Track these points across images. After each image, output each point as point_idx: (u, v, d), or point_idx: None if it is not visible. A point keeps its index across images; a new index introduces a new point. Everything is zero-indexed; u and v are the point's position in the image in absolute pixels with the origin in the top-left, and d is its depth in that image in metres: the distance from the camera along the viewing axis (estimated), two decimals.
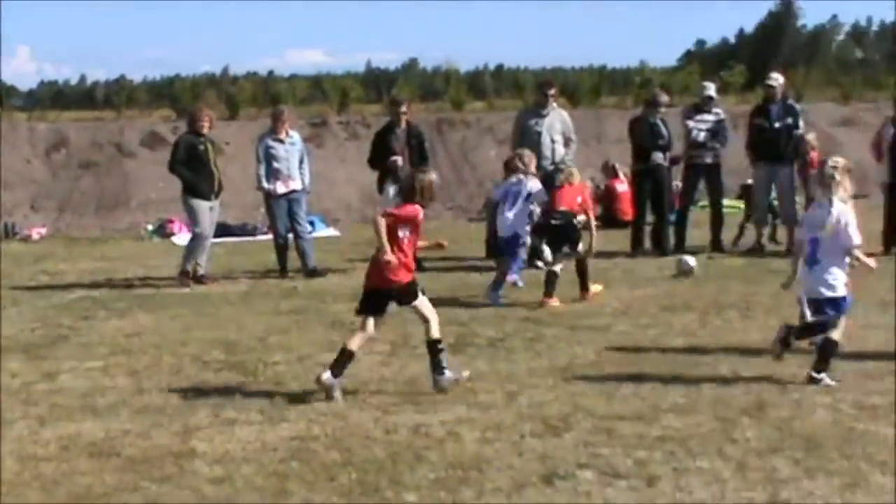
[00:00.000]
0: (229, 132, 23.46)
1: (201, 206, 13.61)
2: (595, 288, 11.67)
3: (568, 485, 5.72)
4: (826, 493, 5.49)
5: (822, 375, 7.60)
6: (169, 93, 35.32)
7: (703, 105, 15.56)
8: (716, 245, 15.13)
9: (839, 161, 7.93)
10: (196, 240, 13.62)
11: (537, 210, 12.18)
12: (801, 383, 7.60)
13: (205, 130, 13.82)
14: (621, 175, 19.27)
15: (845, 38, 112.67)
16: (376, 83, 59.90)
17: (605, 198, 19.68)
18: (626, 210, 17.16)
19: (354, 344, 7.82)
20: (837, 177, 7.77)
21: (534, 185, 12.19)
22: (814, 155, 14.91)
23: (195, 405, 7.56)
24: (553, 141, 14.69)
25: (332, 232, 19.49)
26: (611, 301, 11.37)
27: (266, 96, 29.92)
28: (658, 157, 14.93)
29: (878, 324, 9.70)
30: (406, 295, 7.89)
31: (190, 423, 7.11)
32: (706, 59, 64.67)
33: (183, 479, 6.01)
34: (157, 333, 10.30)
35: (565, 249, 11.55)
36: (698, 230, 15.70)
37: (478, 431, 6.70)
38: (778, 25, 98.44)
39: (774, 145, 14.76)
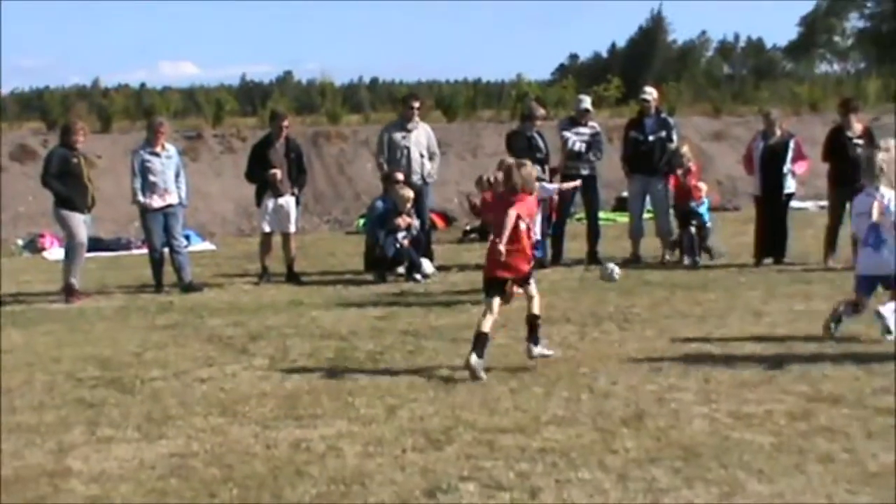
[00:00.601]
0: (101, 145, 22.97)
1: (75, 216, 13.32)
2: None
3: (450, 498, 5.73)
4: (705, 502, 5.60)
5: None
6: (39, 105, 34.40)
7: (579, 118, 15.77)
8: (592, 257, 15.32)
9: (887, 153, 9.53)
10: (74, 250, 13.31)
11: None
12: (678, 392, 7.74)
13: (79, 144, 13.54)
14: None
15: (714, 54, 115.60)
16: (251, 96, 59.36)
17: (482, 210, 19.79)
18: None
19: (486, 326, 8.54)
20: (885, 167, 9.29)
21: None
22: (693, 167, 15.28)
23: (70, 423, 7.38)
24: (421, 155, 14.76)
25: (207, 246, 19.25)
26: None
27: (139, 109, 29.38)
28: (535, 170, 15.02)
29: (752, 332, 9.94)
30: (525, 281, 8.81)
31: (64, 441, 6.94)
32: (580, 73, 65.72)
33: (58, 500, 5.86)
34: (29, 351, 10.03)
35: None
36: (575, 242, 15.91)
37: (359, 446, 6.67)
38: (649, 41, 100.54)
39: (649, 158, 15.06)
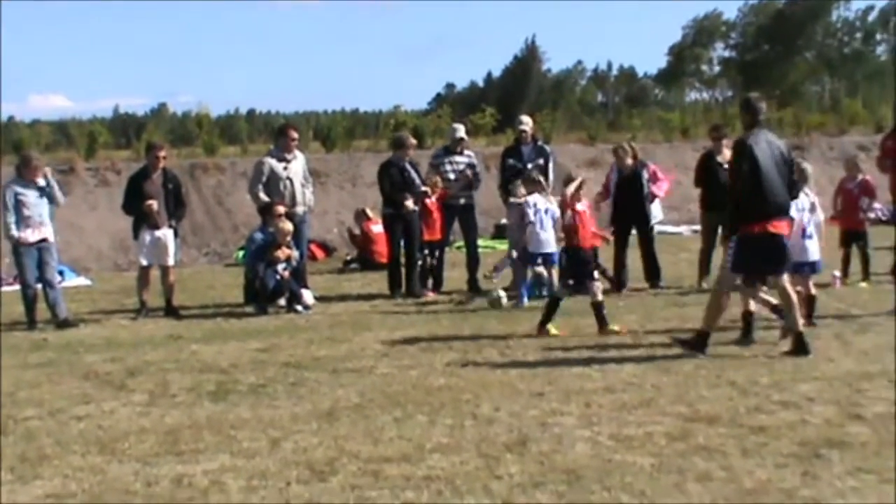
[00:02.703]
0: None
1: None
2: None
3: None
4: None
5: None
6: None
7: (455, 147, 15.90)
8: (472, 285, 15.40)
9: None
10: None
11: None
12: (560, 417, 7.83)
13: None
14: (374, 217, 19.41)
15: (587, 83, 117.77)
16: (125, 128, 58.50)
17: (362, 240, 19.82)
18: (383, 252, 17.31)
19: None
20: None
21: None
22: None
23: None
24: (302, 185, 14.72)
25: (82, 281, 18.83)
26: (372, 343, 11.42)
27: (7, 142, 28.68)
28: (409, 204, 15.09)
29: (631, 355, 10.12)
30: None
31: None
32: (456, 103, 66.31)
33: None
34: None
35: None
36: (456, 270, 16.00)
37: (242, 480, 6.58)
38: (524, 70, 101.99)
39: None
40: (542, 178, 14.07)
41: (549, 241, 13.44)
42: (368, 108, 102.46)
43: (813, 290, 11.63)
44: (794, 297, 10.18)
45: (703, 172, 15.06)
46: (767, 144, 10.03)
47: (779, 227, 9.96)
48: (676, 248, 19.31)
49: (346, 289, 16.48)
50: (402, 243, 15.27)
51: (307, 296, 14.22)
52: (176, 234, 14.38)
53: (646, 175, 14.99)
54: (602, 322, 11.44)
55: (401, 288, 15.27)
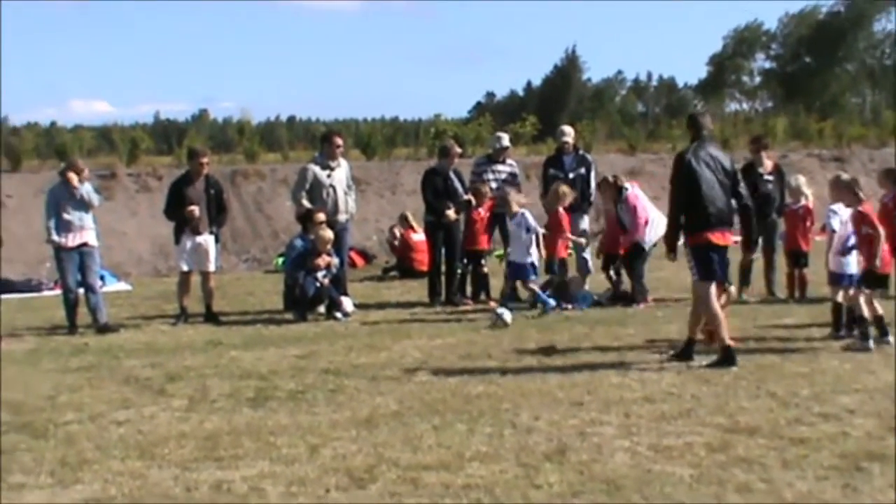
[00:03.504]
0: (11, 184, 22.61)
1: None
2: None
3: None
4: None
5: None
6: None
7: (497, 155, 15.88)
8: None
9: None
10: None
11: None
12: (600, 427, 7.78)
13: None
14: (415, 225, 19.44)
15: (627, 93, 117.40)
16: (166, 134, 58.91)
17: (402, 248, 19.84)
18: (423, 260, 17.31)
19: None
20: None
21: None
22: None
23: None
24: (345, 193, 14.73)
25: (123, 286, 18.96)
26: (411, 351, 11.41)
27: (49, 147, 28.94)
28: (450, 213, 15.09)
29: (670, 366, 10.06)
30: None
31: None
32: (496, 112, 66.28)
33: None
34: None
35: None
36: (495, 279, 15.97)
37: (282, 486, 6.59)
38: (564, 79, 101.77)
39: None
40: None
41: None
42: (408, 116, 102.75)
43: (868, 308, 11.28)
44: (721, 313, 10.27)
45: (745, 183, 14.93)
46: (710, 158, 10.34)
47: (719, 237, 10.26)
48: None
49: (386, 296, 16.49)
50: (442, 251, 15.27)
51: (346, 303, 14.23)
52: (217, 240, 14.44)
53: (623, 208, 14.78)
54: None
55: (440, 296, 15.26)
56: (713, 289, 10.31)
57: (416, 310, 14.77)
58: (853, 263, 11.30)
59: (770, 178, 14.90)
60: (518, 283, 14.21)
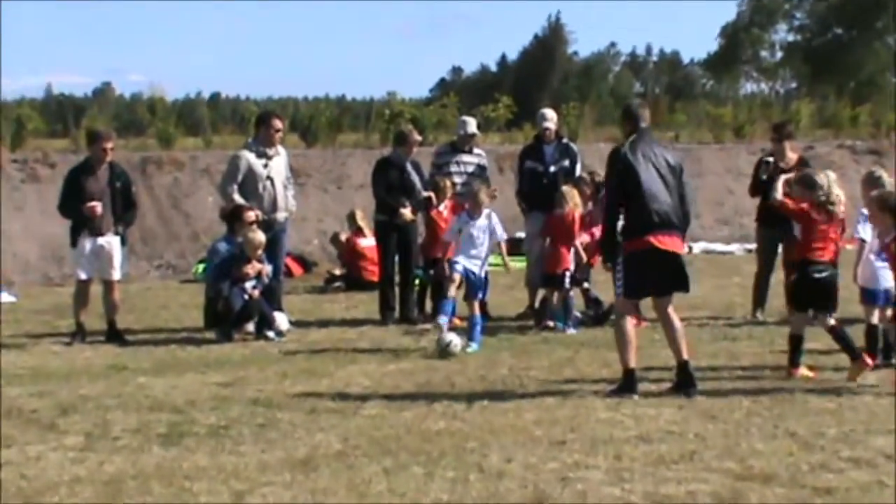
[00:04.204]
0: None
1: None
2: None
3: None
4: None
5: None
6: None
7: (462, 144, 15.92)
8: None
9: None
10: None
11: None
12: (585, 471, 7.82)
13: None
14: (366, 226, 19.44)
15: (622, 69, 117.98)
16: (60, 112, 58.48)
17: (348, 254, 19.80)
18: (373, 269, 17.31)
19: None
20: None
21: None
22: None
23: None
24: (284, 187, 14.69)
25: (5, 297, 18.81)
26: (358, 378, 11.42)
27: None
28: (406, 212, 15.11)
29: (669, 399, 10.12)
30: None
31: None
32: (464, 91, 66.41)
33: None
34: None
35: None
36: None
37: None
38: (546, 53, 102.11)
39: (550, 191, 15.11)
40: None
41: None
42: (357, 95, 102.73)
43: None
44: (679, 326, 10.61)
45: (761, 184, 15.04)
46: (650, 153, 10.61)
47: (665, 242, 10.46)
48: (727, 272, 19.36)
49: (329, 312, 16.50)
50: (396, 258, 15.28)
51: (281, 320, 14.22)
52: (123, 243, 14.40)
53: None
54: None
55: (394, 312, 15.28)
56: (630, 307, 10.76)
57: (364, 328, 14.79)
58: (889, 277, 11.41)
59: (792, 174, 15.01)
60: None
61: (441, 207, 15.14)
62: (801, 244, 11.12)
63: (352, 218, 20.37)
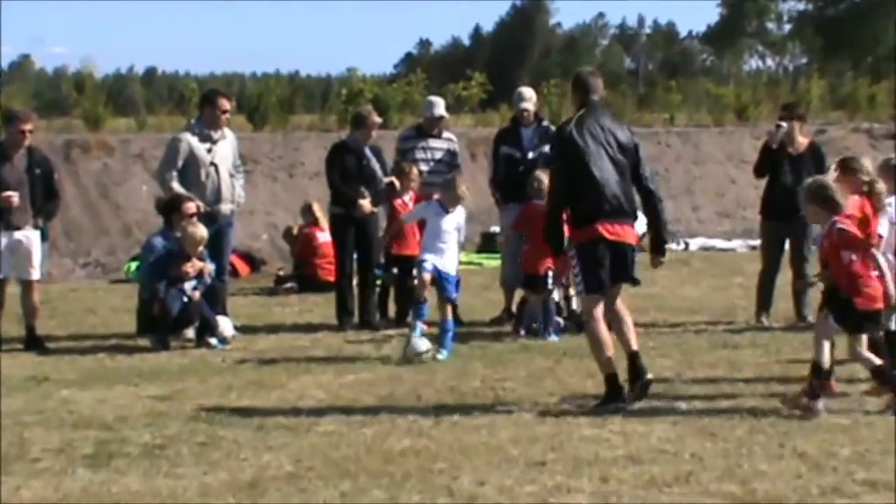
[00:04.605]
0: None
1: None
2: None
3: None
4: None
5: None
6: None
7: (430, 128, 15.93)
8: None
9: None
10: None
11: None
12: (567, 495, 7.84)
13: None
14: (323, 220, 19.42)
15: (611, 43, 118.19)
16: None
17: (302, 250, 19.76)
18: (330, 268, 17.30)
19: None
20: None
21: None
22: None
23: None
24: (231, 175, 14.65)
25: None
26: (312, 390, 11.43)
27: None
28: (365, 204, 15.08)
29: (662, 415, 10.16)
30: None
31: None
32: (433, 67, 66.45)
33: None
34: None
35: None
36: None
37: None
38: (525, 24, 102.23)
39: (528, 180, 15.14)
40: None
41: None
42: (313, 72, 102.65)
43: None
44: (629, 319, 10.77)
45: (768, 165, 15.08)
46: (600, 129, 10.67)
47: (615, 232, 10.57)
48: (728, 271, 19.42)
49: (279, 316, 16.51)
50: (354, 256, 15.28)
51: (225, 325, 14.19)
52: (44, 238, 14.36)
53: None
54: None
55: (353, 316, 15.28)
56: (601, 307, 10.68)
57: (319, 335, 14.81)
58: None
59: (803, 160, 15.06)
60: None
61: (406, 198, 15.14)
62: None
63: (308, 210, 20.32)
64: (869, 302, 10.27)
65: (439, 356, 12.91)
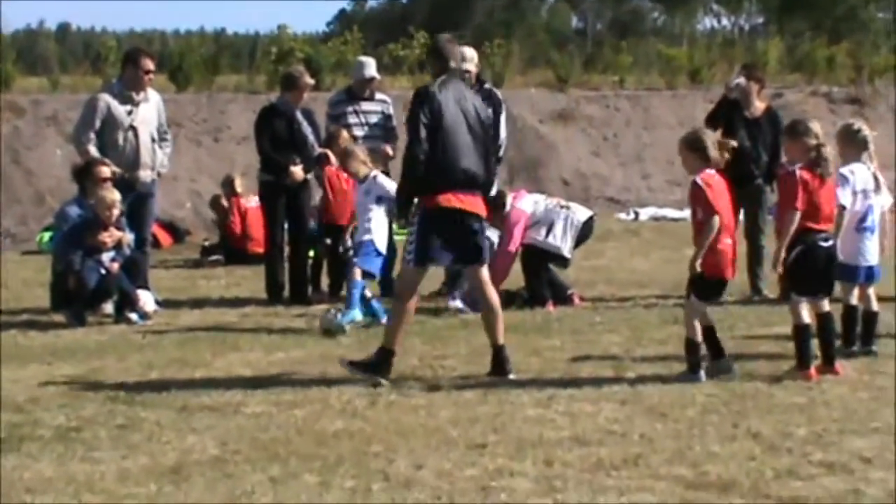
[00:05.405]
0: None
1: None
2: None
3: None
4: None
5: None
6: None
7: (362, 90, 15.91)
8: (383, 286, 15.41)
9: None
10: None
11: None
12: (510, 479, 7.86)
13: None
14: (243, 188, 19.36)
15: (557, 1, 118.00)
16: None
17: (228, 222, 19.70)
18: (258, 238, 17.27)
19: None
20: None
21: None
22: None
23: None
24: (153, 140, 14.58)
25: None
26: (239, 369, 11.41)
27: None
28: (296, 171, 15.04)
29: (609, 393, 10.20)
30: None
31: None
32: (368, 24, 66.18)
33: None
34: None
35: None
36: None
37: None
38: None
39: None
40: None
41: None
42: (240, 29, 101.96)
43: (874, 305, 11.77)
44: (497, 306, 11.02)
45: (722, 120, 15.04)
46: (458, 100, 10.86)
47: (467, 202, 10.78)
48: (679, 242, 19.38)
49: (204, 290, 16.48)
50: (285, 226, 15.25)
51: (146, 299, 14.14)
52: None
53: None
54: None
55: (283, 290, 15.26)
56: (418, 279, 11.02)
57: (247, 309, 14.80)
58: (872, 251, 11.57)
59: (759, 125, 15.12)
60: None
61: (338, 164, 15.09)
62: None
63: (228, 183, 20.20)
64: (712, 269, 10.60)
65: (337, 319, 12.97)
